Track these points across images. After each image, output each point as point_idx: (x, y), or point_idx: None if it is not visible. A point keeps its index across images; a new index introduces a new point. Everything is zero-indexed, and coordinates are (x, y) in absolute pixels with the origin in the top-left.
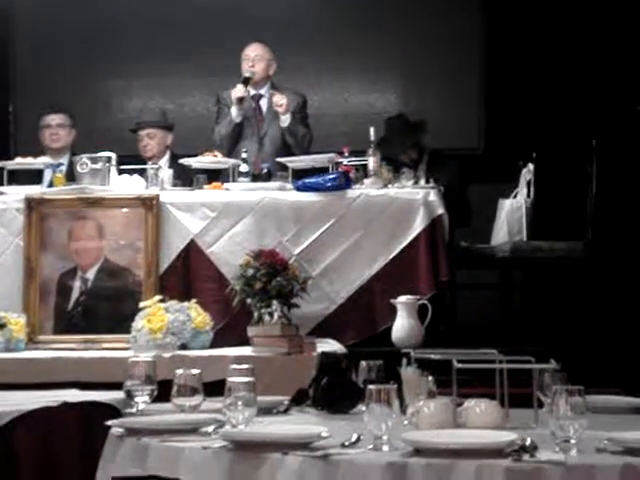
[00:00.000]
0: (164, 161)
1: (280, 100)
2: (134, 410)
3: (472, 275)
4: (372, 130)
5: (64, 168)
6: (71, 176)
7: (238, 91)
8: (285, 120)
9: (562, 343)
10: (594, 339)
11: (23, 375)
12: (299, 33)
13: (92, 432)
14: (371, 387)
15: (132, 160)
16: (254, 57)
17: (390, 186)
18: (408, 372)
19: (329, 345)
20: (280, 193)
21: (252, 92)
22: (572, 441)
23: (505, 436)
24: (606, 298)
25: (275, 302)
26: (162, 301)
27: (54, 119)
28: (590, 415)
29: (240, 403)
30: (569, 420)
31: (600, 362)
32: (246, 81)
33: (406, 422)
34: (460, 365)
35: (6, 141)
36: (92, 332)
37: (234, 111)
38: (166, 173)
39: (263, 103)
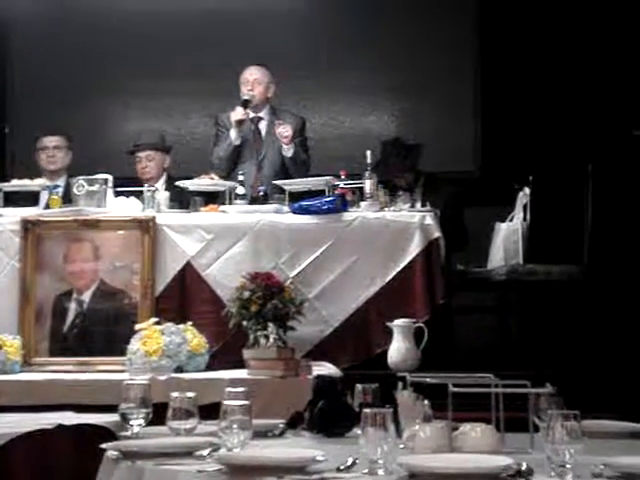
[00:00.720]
0: (161, 183)
1: (285, 132)
2: (129, 433)
3: (468, 298)
4: (369, 153)
5: (60, 190)
6: (67, 198)
7: (237, 114)
8: (288, 150)
9: (558, 367)
10: (590, 363)
11: (18, 397)
12: (296, 56)
13: (87, 455)
14: (367, 411)
15: (129, 182)
16: (253, 80)
17: (386, 209)
18: (404, 396)
19: (325, 368)
20: (276, 216)
21: (251, 115)
22: (568, 466)
23: (501, 461)
24: (603, 322)
25: (271, 325)
26: (158, 323)
27: (51, 141)
28: (586, 440)
29: (235, 426)
30: (565, 445)
31: (596, 386)
32: (245, 104)
33: (402, 446)
34: (456, 389)
35: (2, 163)
36: (87, 354)
37: (233, 134)
38: (162, 195)
39: (262, 126)
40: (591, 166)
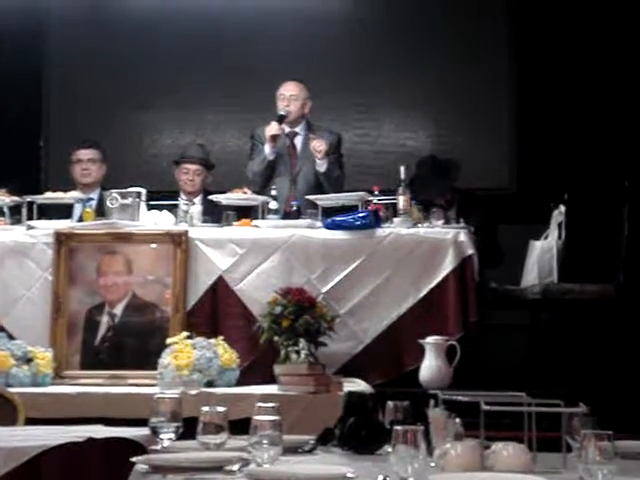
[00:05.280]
0: (199, 199)
1: (319, 146)
2: (159, 447)
3: (502, 316)
4: (402, 169)
5: (94, 203)
6: (101, 211)
7: (272, 129)
8: (322, 165)
9: (592, 386)
10: (624, 383)
11: (49, 410)
12: (331, 71)
13: (117, 468)
14: (398, 428)
15: (161, 196)
16: (289, 96)
17: (420, 225)
18: (435, 413)
19: (356, 385)
20: (309, 231)
21: (287, 130)
22: None
23: None
24: (637, 341)
25: (302, 340)
26: (189, 337)
27: (85, 154)
28: (619, 460)
29: (266, 442)
30: (598, 465)
31: (630, 406)
32: (281, 119)
33: (433, 464)
34: (488, 407)
35: (36, 175)
36: (119, 368)
37: (267, 148)
38: (196, 209)
39: (298, 141)
40: (627, 183)
